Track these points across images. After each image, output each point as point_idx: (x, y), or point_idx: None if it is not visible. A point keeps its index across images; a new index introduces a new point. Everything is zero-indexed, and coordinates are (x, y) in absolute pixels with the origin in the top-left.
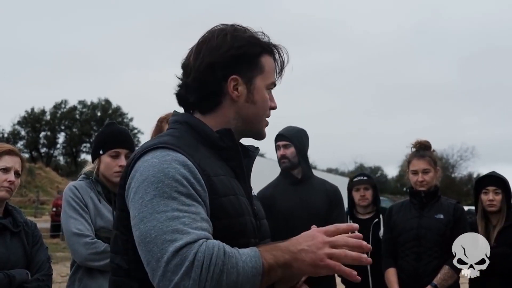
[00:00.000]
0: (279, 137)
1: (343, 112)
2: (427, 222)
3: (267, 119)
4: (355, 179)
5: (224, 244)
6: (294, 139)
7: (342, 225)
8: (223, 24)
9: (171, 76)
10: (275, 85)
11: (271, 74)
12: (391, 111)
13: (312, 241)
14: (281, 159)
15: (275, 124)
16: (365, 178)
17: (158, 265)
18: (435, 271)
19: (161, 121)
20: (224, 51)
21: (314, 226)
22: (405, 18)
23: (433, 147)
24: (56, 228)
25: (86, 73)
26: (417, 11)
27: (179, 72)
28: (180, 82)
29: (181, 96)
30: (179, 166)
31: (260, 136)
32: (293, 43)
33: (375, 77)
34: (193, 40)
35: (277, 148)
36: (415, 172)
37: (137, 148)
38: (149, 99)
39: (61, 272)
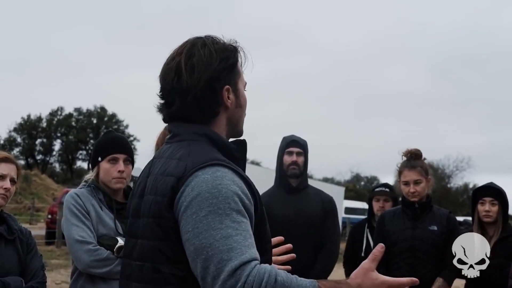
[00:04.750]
0: (293, 143)
1: (320, 120)
2: (421, 234)
3: None
4: (377, 189)
5: (278, 271)
6: (306, 149)
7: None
8: (197, 37)
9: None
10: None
11: (243, 75)
12: (378, 119)
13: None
14: (291, 165)
15: (252, 129)
16: (386, 189)
17: (214, 283)
18: (429, 282)
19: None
20: (217, 65)
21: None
22: (370, 26)
23: (427, 156)
24: (51, 235)
25: (81, 80)
26: (383, 19)
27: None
28: (169, 100)
29: (177, 114)
30: (229, 182)
31: (241, 134)
32: (256, 48)
33: (352, 85)
34: (168, 41)
35: (288, 153)
36: (406, 183)
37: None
38: (142, 105)
39: (55, 279)
